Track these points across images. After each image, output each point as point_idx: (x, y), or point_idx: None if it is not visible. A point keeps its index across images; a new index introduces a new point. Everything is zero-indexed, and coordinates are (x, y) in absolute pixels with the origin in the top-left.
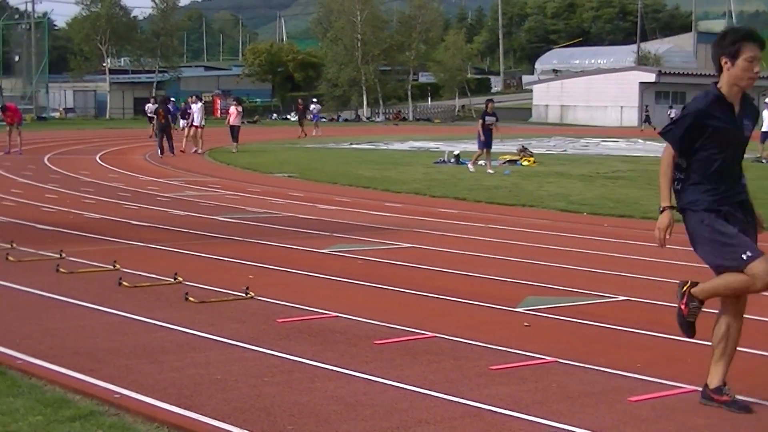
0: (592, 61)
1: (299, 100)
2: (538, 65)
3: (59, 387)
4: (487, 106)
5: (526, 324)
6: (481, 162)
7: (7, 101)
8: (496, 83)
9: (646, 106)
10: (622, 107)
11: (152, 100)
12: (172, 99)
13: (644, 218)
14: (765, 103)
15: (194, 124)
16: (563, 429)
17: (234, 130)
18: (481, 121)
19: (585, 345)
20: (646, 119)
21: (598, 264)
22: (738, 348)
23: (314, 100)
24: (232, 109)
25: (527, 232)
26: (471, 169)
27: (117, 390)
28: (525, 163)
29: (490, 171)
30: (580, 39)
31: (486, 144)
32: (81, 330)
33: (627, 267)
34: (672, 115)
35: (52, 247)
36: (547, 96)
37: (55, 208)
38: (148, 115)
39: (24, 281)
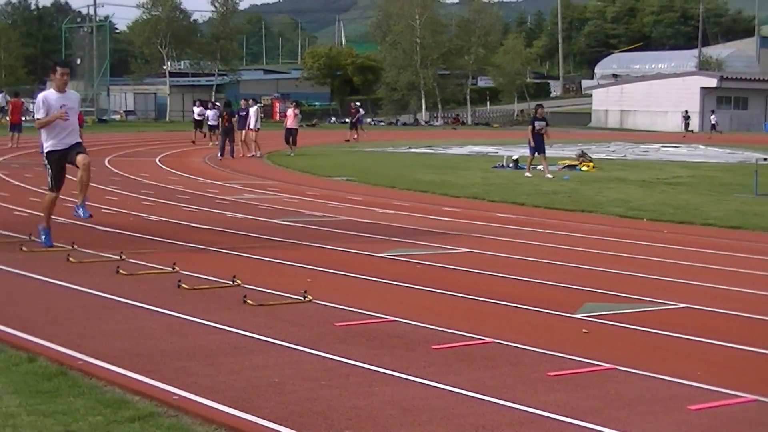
0: (653, 65)
1: (352, 104)
2: (598, 70)
3: (119, 388)
4: (536, 111)
5: (584, 330)
6: (539, 167)
7: None
8: (555, 88)
9: (712, 111)
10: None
11: (197, 103)
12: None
13: (704, 225)
14: None
15: (250, 127)
16: None
17: (291, 133)
18: (531, 126)
19: (644, 352)
20: (713, 127)
21: (658, 271)
22: None
23: (357, 103)
24: (290, 112)
25: (586, 237)
26: (528, 175)
27: (175, 391)
28: (584, 168)
29: (549, 176)
30: (641, 43)
31: (538, 149)
32: (140, 331)
33: (687, 274)
34: (713, 121)
35: (112, 248)
36: (606, 101)
37: (115, 210)
38: (195, 118)
39: (85, 282)
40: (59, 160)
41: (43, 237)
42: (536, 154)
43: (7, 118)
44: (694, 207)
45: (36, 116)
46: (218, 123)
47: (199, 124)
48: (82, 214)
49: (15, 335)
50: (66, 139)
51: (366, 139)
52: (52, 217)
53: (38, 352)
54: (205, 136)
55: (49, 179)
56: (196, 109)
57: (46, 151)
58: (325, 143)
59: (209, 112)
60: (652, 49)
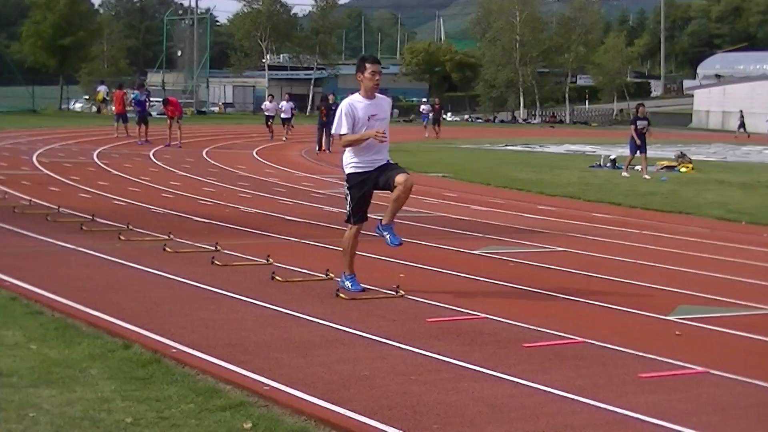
0: (758, 66)
1: (435, 100)
2: (701, 70)
3: (211, 377)
4: (638, 110)
5: (677, 333)
6: (637, 167)
7: (168, 95)
8: (656, 87)
9: (741, 111)
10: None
11: (270, 98)
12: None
13: None
14: None
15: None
16: None
17: None
18: (633, 125)
19: (738, 357)
20: (741, 125)
21: (755, 275)
22: None
23: (423, 99)
24: None
25: (682, 239)
26: (625, 175)
27: (266, 382)
28: (683, 169)
29: (646, 176)
30: (746, 44)
31: (640, 149)
32: (233, 322)
33: None
34: None
35: (207, 239)
36: (708, 101)
37: (211, 202)
38: (266, 114)
39: (180, 272)
40: (362, 184)
41: (349, 284)
42: (638, 153)
43: (112, 108)
44: None
45: (338, 131)
46: (291, 116)
47: (269, 118)
48: (388, 240)
49: (111, 322)
50: (374, 156)
51: (440, 137)
52: (150, 206)
53: (133, 339)
54: (270, 130)
55: (348, 209)
56: (268, 104)
57: (347, 173)
58: (422, 140)
59: (284, 104)
60: (757, 50)
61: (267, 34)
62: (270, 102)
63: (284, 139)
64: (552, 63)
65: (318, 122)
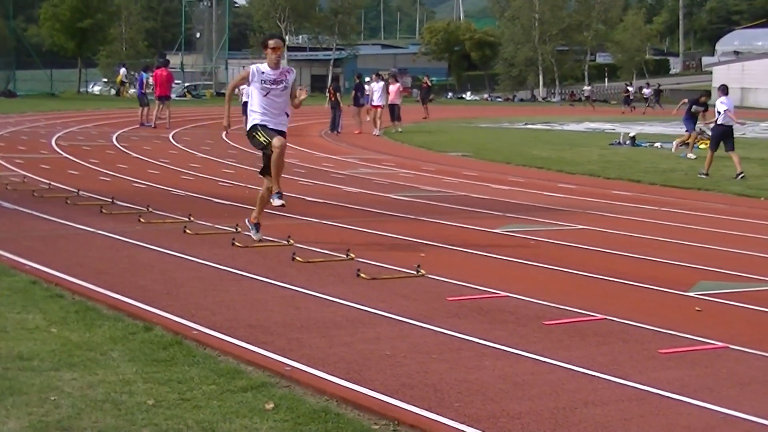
0: None
1: (425, 78)
2: (719, 47)
3: (232, 358)
4: (699, 98)
5: (697, 309)
6: (679, 146)
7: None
8: (675, 65)
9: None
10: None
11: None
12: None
13: None
14: None
15: (374, 103)
16: (733, 416)
17: (394, 109)
18: (688, 106)
19: (758, 331)
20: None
21: None
22: None
23: (426, 76)
24: (393, 87)
25: (702, 216)
26: (691, 156)
27: (288, 362)
28: (702, 146)
29: (692, 155)
30: (764, 20)
31: (690, 128)
32: (255, 303)
33: None
34: None
35: (228, 221)
36: (727, 78)
37: (231, 183)
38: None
39: (201, 254)
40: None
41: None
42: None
43: (132, 91)
44: None
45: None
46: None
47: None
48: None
49: (132, 305)
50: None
51: (429, 119)
52: (169, 189)
53: (155, 321)
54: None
55: (262, 141)
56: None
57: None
58: (443, 119)
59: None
60: None
61: (286, 15)
62: None
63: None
64: (572, 41)
65: (329, 103)
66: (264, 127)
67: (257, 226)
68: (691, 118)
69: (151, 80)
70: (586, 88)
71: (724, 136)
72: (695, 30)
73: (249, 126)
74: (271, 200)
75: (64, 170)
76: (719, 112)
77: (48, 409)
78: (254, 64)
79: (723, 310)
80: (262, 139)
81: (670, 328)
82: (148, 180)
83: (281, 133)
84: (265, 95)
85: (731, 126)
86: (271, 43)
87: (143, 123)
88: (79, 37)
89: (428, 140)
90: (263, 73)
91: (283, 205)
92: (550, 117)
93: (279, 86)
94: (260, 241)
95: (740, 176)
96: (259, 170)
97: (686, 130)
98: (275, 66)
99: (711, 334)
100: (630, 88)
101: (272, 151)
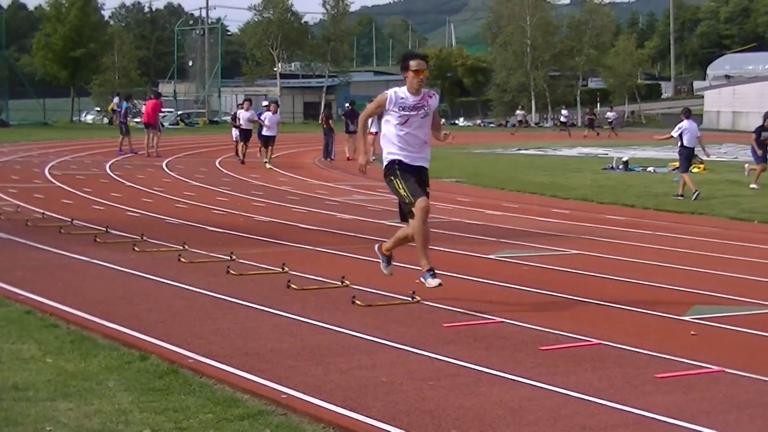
0: (767, 66)
1: (347, 105)
2: (710, 71)
3: (229, 386)
4: (765, 121)
5: (693, 333)
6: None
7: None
8: (667, 89)
9: None
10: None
11: (246, 105)
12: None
13: None
14: None
15: (369, 131)
16: None
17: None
18: (755, 135)
19: (754, 355)
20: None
21: None
22: None
23: (346, 104)
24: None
25: (696, 240)
26: (754, 186)
27: (285, 390)
28: (695, 170)
29: (754, 186)
30: (755, 44)
31: (763, 158)
32: (250, 331)
33: None
34: None
35: (222, 249)
36: (718, 102)
37: (225, 211)
38: (242, 128)
39: (196, 282)
40: (401, 169)
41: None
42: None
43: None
44: None
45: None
46: (250, 128)
47: (245, 134)
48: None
49: (127, 334)
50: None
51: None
52: (164, 217)
53: (150, 350)
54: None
55: (401, 192)
56: (245, 113)
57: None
58: (435, 144)
59: (241, 112)
60: (766, 50)
61: (278, 43)
62: (246, 110)
63: (265, 161)
64: (563, 66)
65: (322, 130)
66: (405, 170)
67: (388, 260)
68: (756, 148)
69: (139, 108)
70: (563, 112)
71: (690, 156)
72: (686, 54)
73: (386, 163)
74: (422, 279)
75: (57, 199)
76: (681, 136)
77: None
78: (392, 88)
79: (718, 333)
80: (402, 193)
81: (666, 352)
82: (142, 208)
83: (423, 173)
84: (402, 123)
85: (693, 147)
86: (413, 64)
87: (121, 150)
88: (72, 66)
89: None
90: (402, 98)
91: (440, 285)
92: (543, 142)
93: (419, 113)
94: (390, 274)
95: (696, 195)
96: (399, 216)
97: (757, 161)
98: (416, 92)
99: (707, 358)
100: (596, 112)
101: (413, 213)
